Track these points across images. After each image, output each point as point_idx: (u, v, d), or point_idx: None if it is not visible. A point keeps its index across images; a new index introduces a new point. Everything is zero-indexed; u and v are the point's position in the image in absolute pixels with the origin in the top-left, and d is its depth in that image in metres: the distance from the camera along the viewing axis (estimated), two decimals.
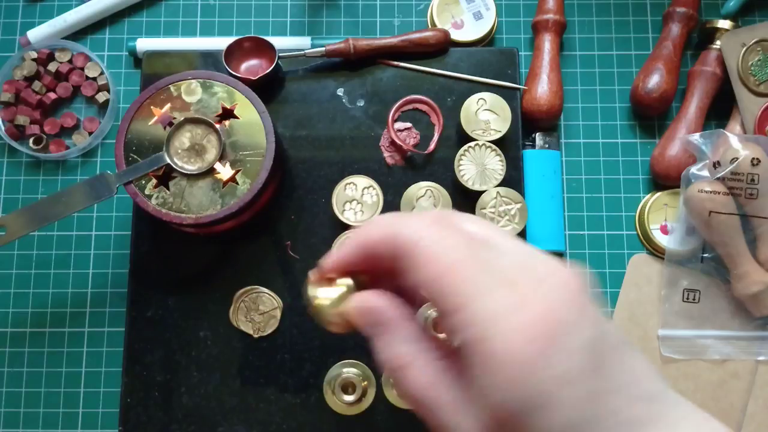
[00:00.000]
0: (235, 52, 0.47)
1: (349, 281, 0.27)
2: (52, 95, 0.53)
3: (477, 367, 0.22)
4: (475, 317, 0.22)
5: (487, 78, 0.48)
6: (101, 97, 0.53)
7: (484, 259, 0.23)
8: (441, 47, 0.49)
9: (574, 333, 0.21)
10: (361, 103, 0.48)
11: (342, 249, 0.27)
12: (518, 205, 0.44)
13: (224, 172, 0.41)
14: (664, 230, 0.50)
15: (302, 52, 0.48)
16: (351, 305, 0.27)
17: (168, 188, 0.41)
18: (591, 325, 0.22)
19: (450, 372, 0.24)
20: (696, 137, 0.48)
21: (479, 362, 0.22)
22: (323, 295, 0.27)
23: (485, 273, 0.22)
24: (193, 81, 0.43)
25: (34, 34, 0.53)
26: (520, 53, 0.50)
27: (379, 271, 0.27)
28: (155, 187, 0.41)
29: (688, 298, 0.49)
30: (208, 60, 0.49)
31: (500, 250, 0.24)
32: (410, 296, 0.27)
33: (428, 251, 0.23)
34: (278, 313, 0.45)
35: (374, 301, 0.26)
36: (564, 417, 0.21)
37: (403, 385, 0.25)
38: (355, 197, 0.45)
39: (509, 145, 0.47)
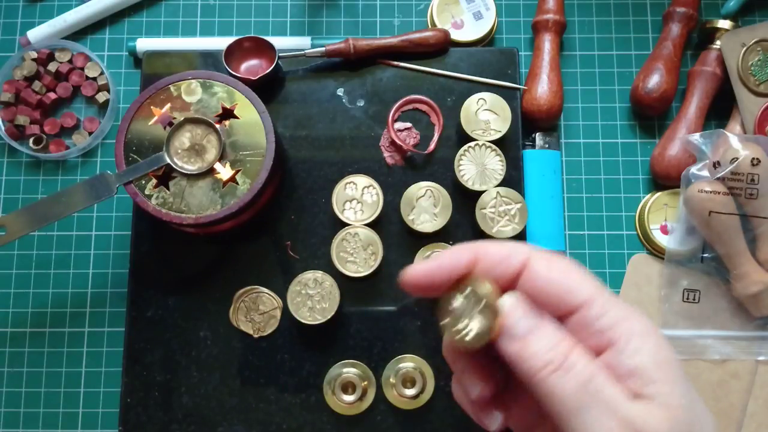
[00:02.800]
0: (235, 52, 0.47)
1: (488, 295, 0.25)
2: (52, 95, 0.53)
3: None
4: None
5: (487, 78, 0.48)
6: (101, 97, 0.53)
7: None
8: (441, 47, 0.49)
9: None
10: (361, 103, 0.48)
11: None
12: (518, 205, 0.44)
13: (224, 172, 0.41)
14: (664, 230, 0.50)
15: (302, 52, 0.48)
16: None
17: (168, 188, 0.41)
18: None
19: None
20: (696, 137, 0.48)
21: None
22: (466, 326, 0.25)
23: None
24: (193, 81, 0.43)
25: (34, 34, 0.53)
26: (520, 53, 0.50)
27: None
28: (155, 187, 0.41)
29: (688, 298, 0.49)
30: (208, 60, 0.49)
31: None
32: None
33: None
34: (278, 313, 0.45)
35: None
36: None
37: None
38: (355, 196, 0.45)
39: (509, 145, 0.47)
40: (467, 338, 0.24)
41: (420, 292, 0.27)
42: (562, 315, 0.25)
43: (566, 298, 0.25)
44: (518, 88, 0.48)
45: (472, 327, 0.24)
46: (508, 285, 0.25)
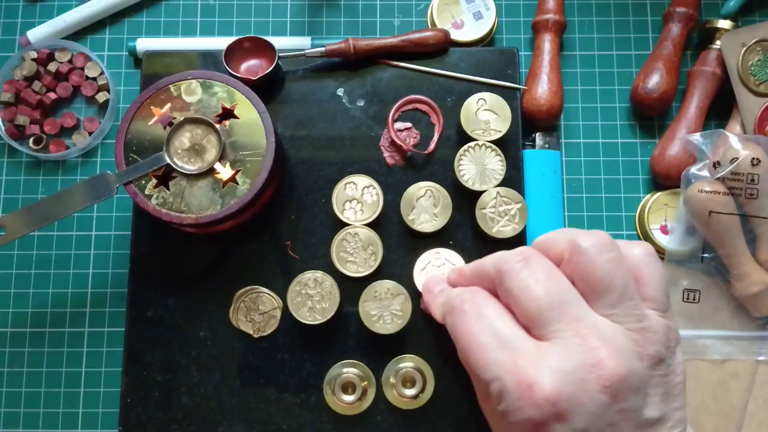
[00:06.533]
0: (235, 52, 0.47)
1: None
2: (52, 95, 0.53)
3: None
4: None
5: (487, 78, 0.48)
6: (101, 97, 0.53)
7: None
8: (441, 47, 0.49)
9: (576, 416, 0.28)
10: (361, 103, 0.48)
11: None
12: (518, 205, 0.44)
13: (224, 172, 0.41)
14: (664, 230, 0.50)
15: (302, 52, 0.48)
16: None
17: (168, 188, 0.41)
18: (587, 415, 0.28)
19: None
20: (696, 137, 0.48)
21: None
22: None
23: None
24: (193, 81, 0.43)
25: (34, 34, 0.53)
26: (520, 53, 0.50)
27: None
28: (155, 187, 0.41)
29: (688, 298, 0.49)
30: (208, 60, 0.49)
31: None
32: None
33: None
34: (278, 313, 0.45)
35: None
36: None
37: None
38: (355, 196, 0.45)
39: (509, 145, 0.47)
40: None
41: None
42: None
43: None
44: (518, 88, 0.48)
45: None
46: None
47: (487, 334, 0.30)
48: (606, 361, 0.28)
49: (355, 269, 0.44)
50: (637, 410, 0.28)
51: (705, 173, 0.47)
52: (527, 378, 0.28)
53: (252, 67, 0.48)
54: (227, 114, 0.43)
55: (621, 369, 0.28)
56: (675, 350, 0.31)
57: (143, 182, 0.41)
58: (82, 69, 0.53)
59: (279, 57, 0.47)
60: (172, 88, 0.43)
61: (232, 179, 0.41)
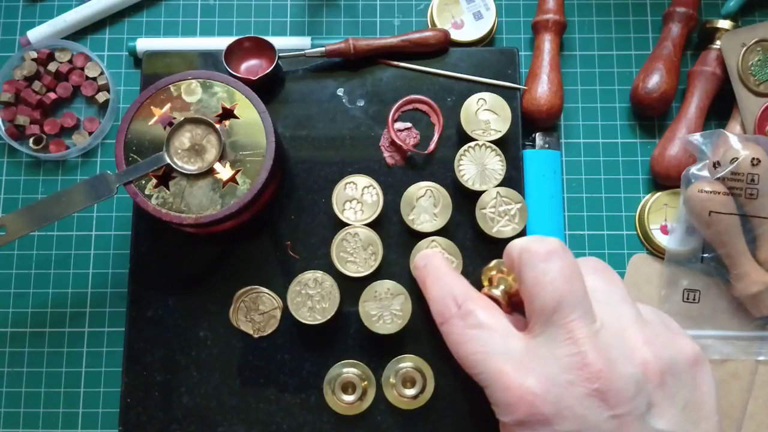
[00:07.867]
0: (235, 52, 0.47)
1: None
2: (52, 95, 0.53)
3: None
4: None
5: (487, 78, 0.48)
6: (101, 97, 0.53)
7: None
8: (441, 47, 0.49)
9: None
10: (361, 103, 0.48)
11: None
12: (518, 205, 0.44)
13: (224, 172, 0.41)
14: (664, 230, 0.50)
15: (302, 52, 0.48)
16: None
17: (168, 188, 0.41)
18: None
19: None
20: (696, 137, 0.48)
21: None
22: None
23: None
24: (193, 81, 0.43)
25: (34, 34, 0.53)
26: (520, 53, 0.50)
27: None
28: (155, 187, 0.41)
29: (688, 298, 0.49)
30: (208, 60, 0.49)
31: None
32: None
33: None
34: (278, 313, 0.45)
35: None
36: None
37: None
38: (355, 196, 0.45)
39: (509, 145, 0.47)
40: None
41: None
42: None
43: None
44: (518, 88, 0.48)
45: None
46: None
47: (474, 339, 0.32)
48: (594, 363, 0.28)
49: (355, 269, 0.44)
50: (638, 419, 0.28)
51: (705, 173, 0.47)
52: (512, 383, 0.30)
53: (252, 67, 0.48)
54: (227, 114, 0.43)
55: (607, 371, 0.28)
56: (695, 364, 0.31)
57: (143, 182, 0.41)
58: (82, 69, 0.53)
59: (279, 57, 0.47)
60: (172, 88, 0.43)
61: (232, 179, 0.41)
